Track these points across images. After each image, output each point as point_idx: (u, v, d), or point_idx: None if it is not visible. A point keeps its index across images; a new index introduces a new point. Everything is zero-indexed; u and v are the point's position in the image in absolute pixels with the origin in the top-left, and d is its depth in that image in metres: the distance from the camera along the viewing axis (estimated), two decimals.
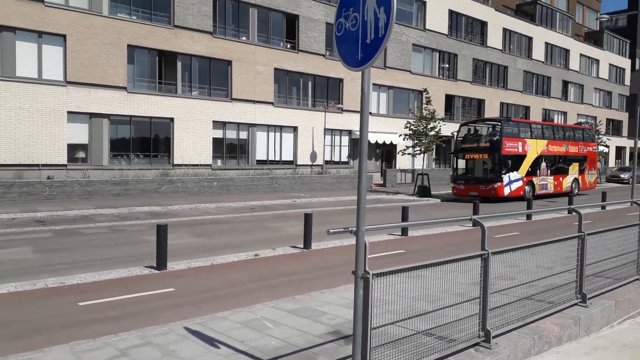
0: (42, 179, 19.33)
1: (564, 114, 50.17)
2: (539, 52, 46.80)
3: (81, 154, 21.99)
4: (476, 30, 40.99)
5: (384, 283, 4.20)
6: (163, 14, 24.16)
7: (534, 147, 24.66)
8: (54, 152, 20.88)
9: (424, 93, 29.36)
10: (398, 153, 31.84)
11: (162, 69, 24.59)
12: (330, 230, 4.19)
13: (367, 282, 4.00)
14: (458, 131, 25.45)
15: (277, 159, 28.89)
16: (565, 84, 50.96)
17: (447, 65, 38.77)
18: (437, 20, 37.12)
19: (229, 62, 26.38)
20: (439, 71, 37.99)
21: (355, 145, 32.11)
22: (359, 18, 3.97)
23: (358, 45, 3.98)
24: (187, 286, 7.69)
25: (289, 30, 29.33)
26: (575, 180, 27.81)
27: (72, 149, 21.61)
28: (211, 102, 25.76)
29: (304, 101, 30.39)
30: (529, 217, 16.84)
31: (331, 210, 18.50)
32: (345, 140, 32.22)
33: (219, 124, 26.12)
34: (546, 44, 47.68)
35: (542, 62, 47.27)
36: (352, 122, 31.61)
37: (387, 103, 34.46)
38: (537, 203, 22.30)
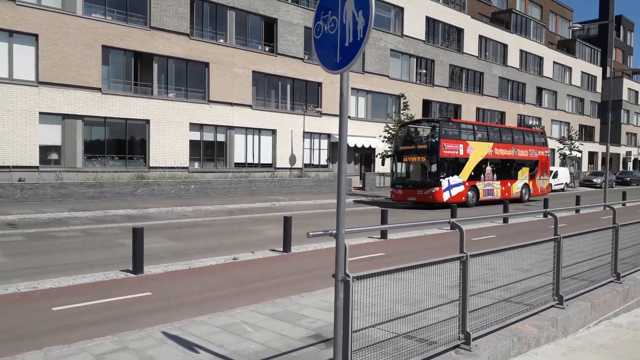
0: (13, 181, 18.81)
1: (539, 119, 51.23)
2: (514, 59, 47.76)
3: (54, 156, 21.49)
4: (453, 36, 41.60)
5: (364, 286, 4.19)
6: (139, 15, 23.84)
7: (478, 150, 23.22)
8: (25, 153, 20.35)
9: (402, 98, 29.63)
10: (377, 156, 32.08)
11: (137, 70, 24.26)
12: (310, 233, 4.17)
13: (347, 285, 3.99)
14: (397, 132, 24.25)
15: (256, 161, 28.75)
16: (540, 90, 52.09)
17: (424, 71, 39.22)
18: (414, 26, 37.54)
19: (207, 64, 26.18)
20: (416, 76, 38.41)
21: (335, 148, 32.19)
22: (337, 21, 3.97)
23: (337, 48, 3.98)
24: (165, 290, 7.56)
25: (267, 33, 29.28)
26: (526, 185, 26.40)
27: (45, 150, 21.12)
28: (188, 104, 25.49)
29: (282, 104, 30.34)
30: (505, 220, 17.11)
31: (311, 214, 18.49)
32: (325, 143, 32.27)
33: (196, 126, 25.87)
34: (521, 51, 48.70)
35: (517, 68, 48.25)
36: (331, 125, 31.68)
37: (365, 107, 34.65)
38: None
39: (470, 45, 42.74)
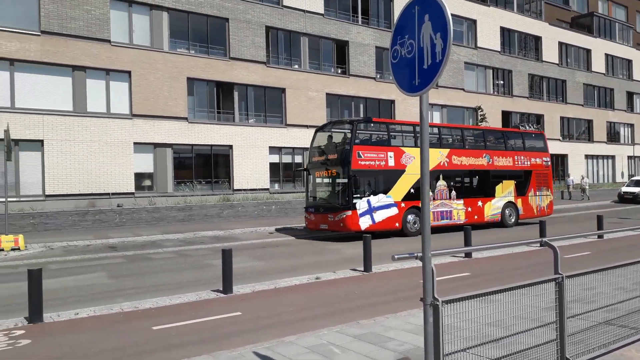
0: (112, 207, 20.43)
1: (631, 126, 47.68)
2: (599, 64, 44.99)
3: (147, 182, 23.09)
4: (530, 45, 40.06)
5: (454, 310, 4.15)
6: (219, 47, 25.25)
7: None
8: (122, 181, 22.05)
9: (478, 110, 28.89)
10: None
11: (220, 99, 25.61)
12: (395, 256, 4.21)
13: (436, 310, 3.97)
14: (313, 139, 18.30)
15: None
16: (630, 95, 48.53)
17: (501, 82, 38.00)
18: (488, 37, 36.60)
19: (283, 90, 27.10)
20: (493, 88, 37.29)
21: None
22: (414, 45, 4.03)
23: (415, 71, 4.03)
24: (253, 310, 7.85)
25: (339, 55, 29.83)
26: (511, 205, 20.03)
27: (139, 177, 22.77)
28: (267, 128, 26.47)
29: None
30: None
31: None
32: None
33: (274, 149, 26.76)
34: (606, 55, 45.81)
35: (603, 74, 45.38)
36: None
37: (441, 121, 34.07)
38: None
39: (550, 52, 40.88)
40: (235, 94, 25.85)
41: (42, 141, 20.38)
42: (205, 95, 25.19)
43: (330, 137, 17.73)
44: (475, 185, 19.38)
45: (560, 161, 41.51)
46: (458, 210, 18.45)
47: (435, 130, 19.20)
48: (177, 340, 6.46)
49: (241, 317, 7.48)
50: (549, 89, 41.30)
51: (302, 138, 27.57)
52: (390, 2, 31.74)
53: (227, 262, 8.89)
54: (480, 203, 19.11)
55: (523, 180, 20.53)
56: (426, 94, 3.98)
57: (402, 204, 17.01)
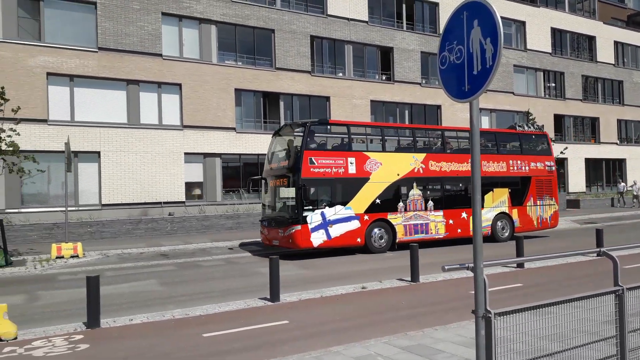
0: (164, 216, 21.12)
1: None
2: None
3: (197, 191, 23.73)
4: (583, 45, 38.53)
5: (507, 322, 4.03)
6: (265, 58, 25.72)
7: (392, 166, 15.69)
8: (173, 190, 22.76)
9: (528, 114, 28.05)
10: None
11: (266, 109, 26.04)
12: (445, 267, 4.14)
13: (489, 322, 3.87)
14: (270, 144, 16.73)
15: None
16: None
17: (553, 85, 36.71)
18: (538, 39, 35.50)
19: (327, 98, 27.24)
20: (544, 91, 36.09)
21: None
22: (463, 50, 3.97)
23: (464, 77, 3.97)
24: (300, 318, 7.89)
25: (383, 62, 29.73)
26: (504, 217, 17.62)
27: (189, 186, 23.43)
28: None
29: None
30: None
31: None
32: None
33: None
34: None
35: None
36: None
37: (489, 126, 33.26)
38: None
39: (605, 52, 39.15)
40: (281, 104, 26.20)
41: (98, 152, 21.36)
42: (252, 105, 25.69)
43: (283, 141, 15.80)
44: (458, 195, 17.13)
45: (617, 166, 39.58)
46: (436, 222, 16.29)
47: (406, 132, 17.55)
48: (227, 347, 6.59)
49: (289, 325, 7.54)
50: (605, 91, 39.52)
51: None
52: (436, 7, 31.38)
53: (274, 271, 9.00)
54: (464, 215, 16.67)
55: (520, 188, 18.02)
56: (477, 99, 3.91)
57: (365, 217, 15.04)
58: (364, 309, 8.50)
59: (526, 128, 19.31)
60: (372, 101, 28.61)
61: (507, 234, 17.61)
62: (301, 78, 26.37)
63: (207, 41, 24.15)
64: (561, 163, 31.54)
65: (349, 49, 28.35)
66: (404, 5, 30.37)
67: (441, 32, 4.26)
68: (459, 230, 16.66)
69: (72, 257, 15.00)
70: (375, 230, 15.31)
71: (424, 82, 30.65)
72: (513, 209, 17.87)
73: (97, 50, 21.51)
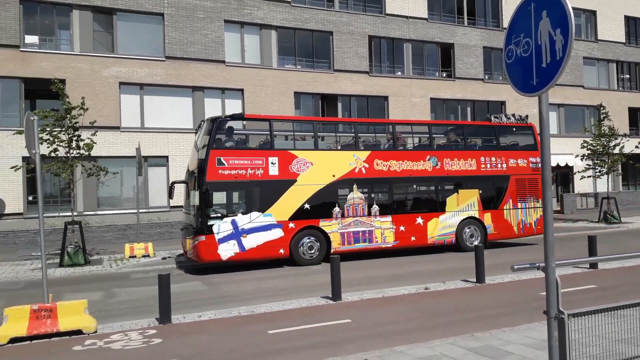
0: None
1: None
2: None
3: None
4: None
5: (580, 324, 3.87)
6: (324, 61, 25.94)
7: (325, 166, 13.95)
8: None
9: (600, 109, 26.49)
10: (575, 175, 29.07)
11: (324, 110, 26.25)
12: (515, 267, 4.04)
13: (562, 323, 3.73)
14: (194, 142, 15.05)
15: None
16: None
17: (627, 76, 34.50)
18: (610, 28, 33.48)
19: (385, 98, 27.07)
20: (618, 83, 33.97)
21: None
22: (531, 43, 3.86)
23: (532, 70, 3.86)
24: (363, 318, 7.91)
25: (444, 59, 29.15)
26: (472, 222, 15.52)
27: None
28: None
29: None
30: None
31: (533, 239, 17.33)
32: None
33: None
34: None
35: None
36: None
37: (557, 122, 31.80)
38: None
39: None
40: (339, 105, 26.31)
41: (167, 157, 22.37)
42: (310, 107, 25.97)
43: (200, 140, 13.76)
44: (412, 198, 15.41)
45: None
46: (383, 230, 14.40)
47: (345, 127, 15.67)
48: (291, 344, 6.72)
49: (351, 324, 7.57)
50: None
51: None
52: (499, 1, 30.38)
53: (336, 270, 9.06)
54: (420, 220, 14.83)
55: (494, 189, 15.83)
56: (546, 93, 3.80)
57: (291, 225, 13.36)
58: (426, 309, 8.39)
59: (505, 120, 16.73)
60: (432, 99, 28.13)
61: (477, 242, 15.12)
62: (359, 79, 26.36)
63: (268, 46, 24.69)
64: (637, 158, 29.51)
65: (408, 47, 28.03)
66: (464, 1, 29.63)
67: (505, 25, 4.17)
68: (413, 238, 14.75)
69: (143, 256, 15.82)
70: (306, 239, 13.58)
71: (486, 77, 29.77)
72: (485, 213, 15.64)
73: (164, 59, 22.57)
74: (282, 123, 15.38)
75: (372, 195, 14.63)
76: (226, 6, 23.76)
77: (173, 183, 14.17)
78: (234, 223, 12.84)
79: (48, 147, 14.22)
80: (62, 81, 19.41)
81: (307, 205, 13.61)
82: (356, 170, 14.27)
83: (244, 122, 14.75)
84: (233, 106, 23.80)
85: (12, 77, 20.50)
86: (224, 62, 23.57)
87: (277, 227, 13.26)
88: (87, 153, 14.85)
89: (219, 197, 13.05)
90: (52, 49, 21.42)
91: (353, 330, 7.30)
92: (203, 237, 12.55)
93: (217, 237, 12.61)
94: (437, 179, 15.22)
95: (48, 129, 14.21)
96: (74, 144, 14.61)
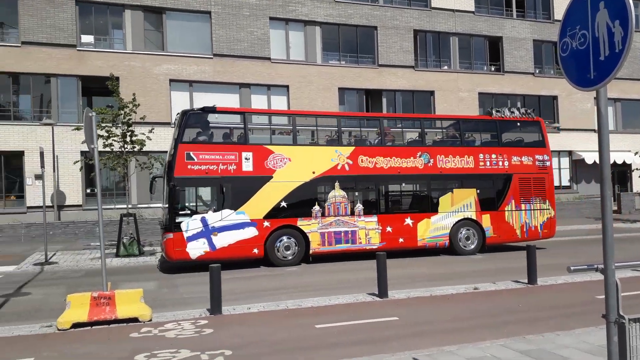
0: None
1: None
2: None
3: None
4: None
5: None
6: (368, 56, 25.83)
7: (302, 163, 13.27)
8: None
9: None
10: (633, 173, 27.77)
11: (368, 106, 26.15)
12: (572, 268, 3.92)
13: (622, 328, 3.60)
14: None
15: None
16: None
17: None
18: None
19: (432, 93, 26.68)
20: None
21: (577, 166, 29.07)
22: (587, 35, 3.73)
23: (589, 64, 3.72)
24: (410, 316, 7.88)
25: (492, 52, 28.42)
26: (468, 223, 14.52)
27: None
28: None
29: None
30: None
31: (555, 241, 16.88)
32: (565, 162, 29.36)
33: None
34: None
35: None
36: (571, 141, 28.73)
37: (614, 118, 30.41)
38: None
39: None
40: (384, 100, 26.15)
41: None
42: (354, 103, 25.93)
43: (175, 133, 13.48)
44: (400, 197, 14.58)
45: None
46: (367, 230, 13.64)
47: (331, 121, 14.77)
48: (338, 339, 6.78)
49: (398, 322, 7.56)
50: None
51: None
52: None
53: (382, 267, 9.05)
54: (409, 221, 13.96)
55: (494, 189, 14.78)
56: (604, 87, 3.67)
57: (266, 223, 12.77)
58: (476, 310, 8.26)
59: (508, 114, 15.37)
60: (479, 94, 27.53)
61: (474, 245, 14.39)
62: (404, 73, 26.09)
63: (312, 42, 24.80)
64: None
65: (454, 41, 27.50)
66: None
67: (557, 17, 4.05)
68: (401, 240, 13.88)
69: None
70: (285, 238, 13.00)
71: (537, 71, 28.82)
72: (483, 214, 14.57)
73: (212, 56, 23.07)
74: (259, 116, 14.65)
75: (356, 193, 13.89)
76: (271, 3, 24.01)
77: (154, 177, 13.97)
78: (203, 221, 12.38)
79: (104, 142, 14.85)
80: (116, 79, 20.18)
81: (283, 203, 13.00)
82: (338, 167, 13.52)
83: (216, 115, 13.57)
84: (278, 102, 24.08)
85: (70, 75, 21.51)
86: (269, 59, 23.86)
87: (251, 225, 12.71)
88: (139, 148, 15.40)
89: (189, 194, 12.83)
90: (106, 47, 22.32)
91: (400, 327, 7.28)
92: (171, 235, 12.17)
93: (185, 234, 12.19)
94: (429, 177, 14.33)
95: (104, 125, 14.83)
96: (127, 139, 15.18)
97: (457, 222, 14.40)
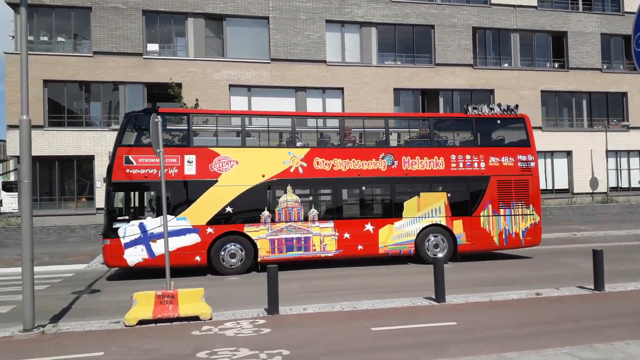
0: None
1: None
2: None
3: None
4: None
5: None
6: (425, 55, 25.49)
7: (251, 166, 12.63)
8: None
9: None
10: None
11: (424, 106, 25.79)
12: None
13: None
14: None
15: (549, 187, 26.64)
16: None
17: None
18: None
19: (491, 91, 25.95)
20: None
21: None
22: None
23: None
24: (468, 321, 7.71)
25: (555, 48, 27.25)
26: (437, 229, 13.56)
27: None
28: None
29: (577, 122, 27.48)
30: None
31: (623, 246, 15.97)
32: (635, 162, 27.68)
33: None
34: None
35: None
36: None
37: None
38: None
39: None
40: (441, 100, 25.70)
41: None
42: (410, 104, 25.65)
43: None
44: (360, 201, 13.64)
45: None
46: (323, 237, 12.87)
47: (287, 121, 13.78)
48: (395, 343, 6.75)
49: (456, 327, 7.42)
50: None
51: None
52: None
53: (439, 272, 8.92)
54: (370, 227, 13.16)
55: (467, 192, 13.70)
56: None
57: (209, 230, 12.22)
58: (538, 316, 7.96)
59: (487, 110, 14.13)
60: (542, 91, 26.51)
61: (444, 253, 13.43)
62: (462, 72, 25.52)
63: (368, 44, 24.78)
64: None
65: (515, 38, 26.61)
66: None
67: (627, 9, 3.86)
68: (361, 247, 13.09)
69: None
70: (231, 246, 12.44)
71: (605, 67, 27.31)
72: (455, 220, 13.56)
73: (269, 61, 23.57)
74: (205, 117, 13.99)
75: (311, 197, 13.15)
76: (327, 6, 24.20)
77: (104, 179, 13.59)
78: (142, 227, 11.95)
79: None
80: (179, 85, 21.09)
81: (229, 209, 12.42)
82: (291, 170, 12.81)
83: (166, 117, 12.74)
84: (333, 105, 24.24)
85: (137, 83, 22.65)
86: (325, 61, 24.06)
87: (193, 232, 12.17)
88: None
89: (127, 199, 12.54)
90: (170, 55, 23.32)
91: (458, 332, 7.15)
92: (108, 241, 11.86)
93: (123, 241, 11.82)
94: (393, 180, 13.37)
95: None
96: None
97: (424, 228, 13.52)
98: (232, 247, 12.48)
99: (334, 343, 6.80)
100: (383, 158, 13.36)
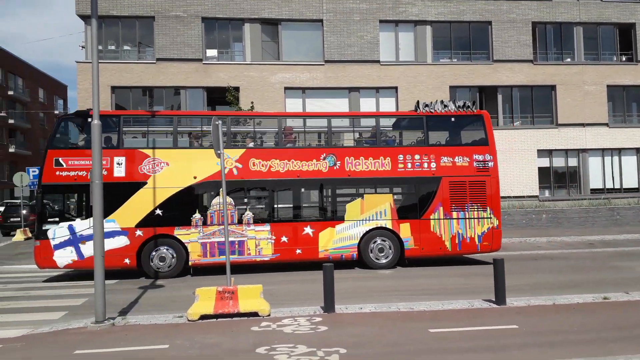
0: None
1: None
2: None
3: None
4: None
5: None
6: (481, 52, 24.84)
7: (182, 167, 12.37)
8: None
9: None
10: None
11: (482, 104, 25.11)
12: None
13: None
14: None
15: (617, 186, 25.27)
16: None
17: None
18: None
19: (552, 87, 24.94)
20: None
21: None
22: None
23: None
24: (531, 325, 7.48)
25: (622, 41, 25.81)
26: (383, 233, 12.95)
27: None
28: (534, 130, 24.72)
29: None
30: None
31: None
32: None
33: (544, 152, 24.77)
34: None
35: None
36: None
37: None
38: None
39: None
40: (499, 97, 24.95)
41: None
42: (467, 101, 25.00)
43: None
44: (299, 204, 13.09)
45: None
46: (258, 240, 12.54)
47: (207, 120, 13.04)
48: (453, 345, 6.65)
49: (518, 330, 7.22)
50: None
51: (577, 138, 24.80)
52: None
53: (500, 273, 8.69)
54: (309, 230, 12.75)
55: (415, 194, 13.12)
56: None
57: (138, 232, 12.12)
58: (606, 321, 7.61)
59: (440, 108, 13.48)
60: (609, 86, 25.18)
61: (387, 259, 12.98)
62: (521, 68, 24.69)
63: (422, 42, 24.45)
64: None
65: (579, 31, 25.42)
66: None
67: None
68: (299, 251, 12.73)
69: None
70: (163, 249, 12.31)
71: None
72: (402, 223, 13.02)
73: (323, 63, 23.76)
74: (137, 119, 13.73)
75: (245, 200, 12.81)
76: (381, 6, 24.10)
77: None
78: (71, 228, 12.02)
79: None
80: (237, 89, 21.70)
81: (159, 211, 12.25)
82: (234, 171, 12.58)
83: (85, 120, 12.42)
84: (387, 104, 24.10)
85: (197, 87, 23.46)
86: (378, 61, 23.97)
87: (122, 234, 12.14)
88: None
89: (57, 201, 12.60)
90: (228, 60, 23.99)
91: (520, 336, 6.95)
92: (38, 243, 12.02)
93: (52, 242, 11.94)
94: (334, 181, 12.95)
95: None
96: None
97: (368, 232, 13.02)
98: (164, 250, 12.40)
99: (391, 343, 6.79)
100: (324, 159, 12.99)
